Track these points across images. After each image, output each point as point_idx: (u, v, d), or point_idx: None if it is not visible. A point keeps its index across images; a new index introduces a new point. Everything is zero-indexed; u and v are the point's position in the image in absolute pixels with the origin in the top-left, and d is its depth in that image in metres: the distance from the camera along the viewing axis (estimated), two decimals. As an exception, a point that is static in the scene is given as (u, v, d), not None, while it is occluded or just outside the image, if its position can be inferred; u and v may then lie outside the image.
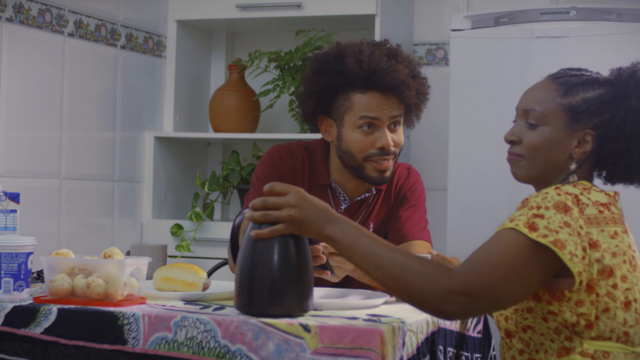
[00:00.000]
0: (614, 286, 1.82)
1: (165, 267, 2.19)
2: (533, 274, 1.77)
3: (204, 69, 4.31)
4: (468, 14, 3.60)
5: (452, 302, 1.74)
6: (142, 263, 2.02)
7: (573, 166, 1.93)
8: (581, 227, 1.79)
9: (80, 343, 1.86)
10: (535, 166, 1.97)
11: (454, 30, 3.58)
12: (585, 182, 1.92)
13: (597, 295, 1.80)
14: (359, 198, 2.51)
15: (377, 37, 3.77)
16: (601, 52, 3.35)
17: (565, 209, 1.80)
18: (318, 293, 2.19)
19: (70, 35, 3.51)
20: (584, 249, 1.79)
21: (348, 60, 2.38)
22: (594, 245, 1.80)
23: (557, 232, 1.77)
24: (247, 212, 1.88)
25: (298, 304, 1.85)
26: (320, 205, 1.86)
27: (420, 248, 2.47)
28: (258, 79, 4.03)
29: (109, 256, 2.03)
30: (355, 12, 3.80)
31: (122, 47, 3.81)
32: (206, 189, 3.99)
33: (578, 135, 1.92)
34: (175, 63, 4.04)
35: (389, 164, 2.41)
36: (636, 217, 3.33)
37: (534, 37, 3.46)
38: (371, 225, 2.51)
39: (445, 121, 3.61)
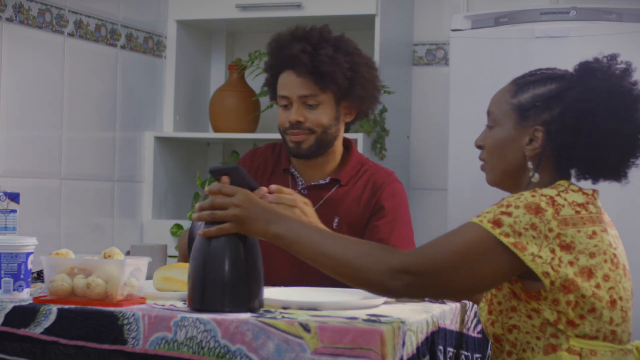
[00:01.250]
0: (597, 286, 1.82)
1: (165, 267, 2.19)
2: (490, 268, 1.79)
3: (204, 69, 4.31)
4: (468, 14, 3.61)
5: (397, 279, 1.80)
6: (142, 263, 2.02)
7: (529, 164, 1.94)
8: (550, 230, 1.79)
9: (80, 343, 1.86)
10: (496, 169, 2.00)
11: (454, 30, 3.58)
12: (562, 182, 1.92)
13: (583, 296, 1.80)
14: (313, 183, 2.61)
15: (377, 37, 3.78)
16: (601, 52, 3.35)
17: (537, 211, 1.80)
18: (317, 293, 2.19)
19: (70, 35, 3.51)
20: (552, 251, 1.79)
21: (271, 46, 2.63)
22: (566, 247, 1.80)
23: (520, 234, 1.78)
24: (195, 214, 1.95)
25: (247, 302, 1.90)
26: (266, 205, 1.92)
27: None
28: (258, 79, 4.03)
29: (109, 256, 2.03)
30: (355, 12, 3.80)
31: (122, 47, 3.81)
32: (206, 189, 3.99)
33: (528, 132, 1.93)
34: (175, 63, 4.04)
35: (302, 137, 2.54)
36: (622, 213, 3.32)
37: (534, 37, 3.46)
38: (335, 220, 2.54)
39: (445, 121, 3.61)
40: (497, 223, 1.79)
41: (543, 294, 1.82)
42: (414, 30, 4.14)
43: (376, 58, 3.79)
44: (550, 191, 1.86)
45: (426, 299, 2.10)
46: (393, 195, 2.58)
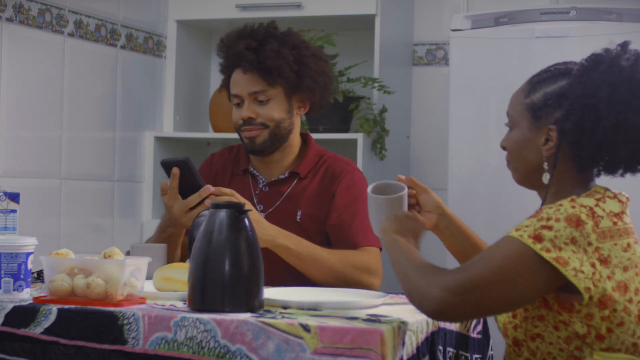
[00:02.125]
0: (630, 300, 1.78)
1: (165, 267, 2.19)
2: (530, 284, 1.74)
3: (204, 69, 4.31)
4: (468, 14, 3.61)
5: (431, 297, 1.74)
6: (142, 263, 2.02)
7: (545, 165, 1.89)
8: (589, 244, 1.75)
9: (80, 343, 1.86)
10: (518, 169, 1.95)
11: (454, 30, 3.58)
12: (599, 189, 1.87)
13: (615, 311, 1.76)
14: (274, 179, 2.64)
15: (377, 37, 3.78)
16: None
17: (578, 223, 1.75)
18: (317, 293, 2.19)
19: (70, 35, 3.51)
20: (592, 265, 1.74)
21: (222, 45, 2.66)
22: (604, 261, 1.76)
23: (560, 248, 1.73)
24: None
25: (247, 302, 1.91)
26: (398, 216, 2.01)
27: (372, 254, 2.52)
28: (258, 79, 4.03)
29: (109, 256, 2.02)
30: (355, 12, 3.80)
31: (122, 47, 3.81)
32: (206, 189, 3.99)
33: (543, 132, 1.88)
34: (175, 63, 4.04)
35: (255, 132, 2.58)
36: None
37: (534, 37, 3.46)
38: (298, 213, 2.57)
39: (445, 121, 3.61)
40: (537, 238, 1.74)
41: (577, 307, 1.77)
42: (414, 30, 4.14)
43: (376, 58, 3.79)
44: (589, 201, 1.80)
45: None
46: (353, 183, 2.60)
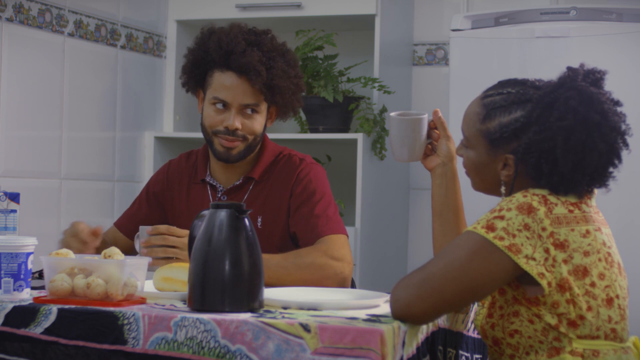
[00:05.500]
0: (592, 284, 1.83)
1: (165, 267, 2.19)
2: (487, 272, 1.80)
3: (204, 69, 4.30)
4: (468, 14, 3.61)
5: (395, 297, 1.83)
6: (142, 263, 2.02)
7: (503, 189, 1.96)
8: (544, 229, 1.80)
9: (80, 343, 1.86)
10: (476, 184, 2.04)
11: (454, 30, 3.58)
12: None
13: (577, 295, 1.81)
14: (230, 186, 2.59)
15: (377, 37, 3.78)
16: (601, 52, 3.36)
17: (529, 210, 1.81)
18: (317, 293, 2.19)
19: (70, 35, 3.51)
20: (545, 251, 1.79)
21: (213, 39, 2.52)
22: (560, 245, 1.81)
23: (514, 235, 1.79)
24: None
25: (247, 302, 1.91)
26: None
27: (337, 241, 2.47)
28: (258, 79, 4.03)
29: (109, 256, 2.02)
30: (355, 12, 3.81)
31: (122, 47, 3.81)
32: (206, 189, 3.99)
33: (501, 159, 1.95)
34: (175, 63, 4.04)
35: (235, 144, 2.52)
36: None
37: (534, 37, 3.46)
38: (259, 220, 2.53)
39: (446, 121, 3.61)
40: (490, 227, 1.81)
41: (542, 299, 1.82)
42: (414, 30, 4.14)
43: (376, 58, 3.79)
44: (542, 190, 1.87)
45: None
46: (309, 177, 2.55)
